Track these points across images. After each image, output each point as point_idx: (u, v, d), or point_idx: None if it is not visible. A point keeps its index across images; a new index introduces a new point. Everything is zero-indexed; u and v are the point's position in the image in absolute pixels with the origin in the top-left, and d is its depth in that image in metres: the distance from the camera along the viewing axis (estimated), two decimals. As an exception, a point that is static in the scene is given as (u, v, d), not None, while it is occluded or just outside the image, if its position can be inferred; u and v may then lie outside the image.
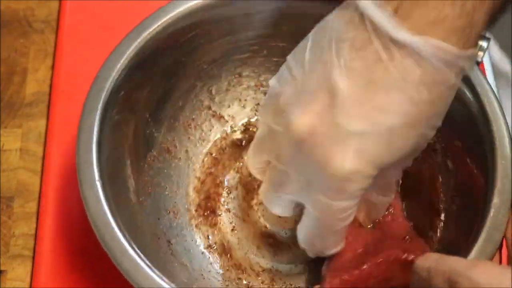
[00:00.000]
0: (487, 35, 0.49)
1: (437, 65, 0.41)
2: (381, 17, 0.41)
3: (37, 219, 0.59)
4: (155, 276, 0.46)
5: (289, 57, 0.46)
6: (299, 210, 0.49)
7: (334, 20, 0.44)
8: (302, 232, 0.50)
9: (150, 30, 0.54)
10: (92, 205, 0.48)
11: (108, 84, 0.52)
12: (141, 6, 0.66)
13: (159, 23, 0.54)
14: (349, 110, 0.42)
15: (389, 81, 0.42)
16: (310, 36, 0.46)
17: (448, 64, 0.42)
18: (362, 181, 0.44)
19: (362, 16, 0.42)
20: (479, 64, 0.64)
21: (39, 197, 0.60)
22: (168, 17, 0.55)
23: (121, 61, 0.53)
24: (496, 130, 0.51)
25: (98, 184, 0.48)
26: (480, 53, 0.62)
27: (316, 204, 0.46)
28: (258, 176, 0.51)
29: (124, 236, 0.47)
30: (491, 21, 0.43)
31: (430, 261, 0.43)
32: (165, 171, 0.58)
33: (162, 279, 0.46)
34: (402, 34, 0.41)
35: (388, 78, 0.42)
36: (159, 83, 0.57)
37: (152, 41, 0.54)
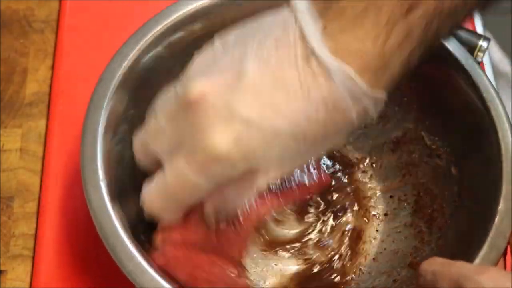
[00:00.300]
0: (487, 35, 0.49)
1: (343, 94, 0.42)
2: (311, 28, 0.42)
3: (37, 219, 0.59)
4: (159, 278, 0.46)
5: (217, 35, 0.47)
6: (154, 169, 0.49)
7: (270, 15, 0.45)
8: (148, 189, 0.48)
9: (157, 29, 0.54)
10: (97, 206, 0.48)
11: (113, 82, 0.51)
12: (141, 6, 0.66)
13: (166, 21, 0.54)
14: (246, 95, 0.43)
15: (294, 87, 0.42)
16: (244, 22, 0.46)
17: (353, 97, 0.42)
18: (226, 168, 0.44)
19: (295, 20, 0.43)
20: (479, 64, 0.64)
21: (39, 197, 0.60)
22: (175, 16, 0.54)
23: (127, 60, 0.52)
24: (502, 136, 0.51)
25: (102, 184, 0.48)
26: (480, 53, 0.62)
27: (173, 167, 0.46)
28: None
29: (128, 236, 0.47)
30: (406, 73, 0.44)
31: (436, 265, 0.43)
32: None
33: (166, 281, 0.46)
34: (323, 51, 0.42)
35: (294, 85, 0.42)
36: (165, 81, 0.56)
37: (158, 40, 0.54)
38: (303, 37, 0.42)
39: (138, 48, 0.53)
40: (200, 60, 0.46)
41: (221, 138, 0.43)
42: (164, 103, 0.47)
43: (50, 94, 0.65)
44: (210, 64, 0.45)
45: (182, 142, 0.45)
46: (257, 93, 0.43)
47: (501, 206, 0.48)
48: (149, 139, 0.48)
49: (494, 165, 0.50)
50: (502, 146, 0.50)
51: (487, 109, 0.52)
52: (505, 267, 0.48)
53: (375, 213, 0.59)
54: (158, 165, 0.48)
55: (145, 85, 0.55)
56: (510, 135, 0.50)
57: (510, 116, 0.52)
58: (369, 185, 0.60)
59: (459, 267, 0.41)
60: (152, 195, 0.48)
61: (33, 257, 0.57)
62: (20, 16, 0.69)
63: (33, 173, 0.61)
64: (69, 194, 0.59)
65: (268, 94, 0.43)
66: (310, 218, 0.59)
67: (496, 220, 0.48)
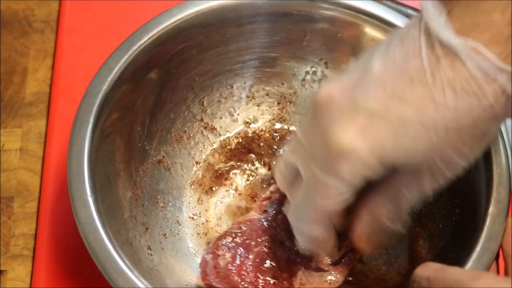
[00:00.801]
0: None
1: (472, 71, 0.40)
2: (435, 18, 0.41)
3: (37, 219, 0.59)
4: None
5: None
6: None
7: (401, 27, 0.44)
8: (291, 204, 0.48)
9: (141, 42, 0.54)
10: (84, 222, 0.47)
11: (99, 98, 0.51)
12: (141, 7, 0.66)
13: (150, 35, 0.54)
14: (371, 88, 0.42)
15: (418, 75, 0.41)
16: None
17: (485, 74, 0.40)
18: (355, 164, 0.42)
19: (421, 17, 0.42)
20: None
21: (39, 197, 0.60)
22: (158, 28, 0.54)
23: (112, 74, 0.52)
24: (492, 139, 0.49)
25: (90, 199, 0.48)
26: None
27: (306, 171, 0.45)
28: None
29: (117, 251, 0.47)
30: None
31: (430, 271, 0.42)
32: (158, 184, 0.57)
33: None
34: (446, 33, 0.40)
35: (419, 72, 0.41)
36: (150, 95, 0.56)
37: (142, 53, 0.54)
38: (427, 29, 0.41)
39: (124, 60, 0.53)
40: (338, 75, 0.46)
41: (345, 132, 0.42)
42: (303, 120, 0.47)
43: (50, 94, 0.65)
44: (343, 74, 0.44)
45: (315, 148, 0.44)
46: (381, 85, 0.41)
47: (492, 209, 0.48)
48: (289, 152, 0.47)
49: (485, 168, 0.50)
50: (492, 148, 0.50)
51: None
52: (498, 270, 0.48)
53: None
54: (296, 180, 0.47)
55: (132, 98, 0.55)
56: (499, 138, 0.50)
57: (510, 119, 0.52)
58: None
59: (453, 273, 0.41)
60: (292, 208, 0.48)
61: (33, 257, 0.57)
62: (20, 16, 0.69)
63: (33, 173, 0.61)
64: (69, 194, 0.59)
65: (393, 84, 0.41)
66: None
67: (488, 222, 0.47)
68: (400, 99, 0.41)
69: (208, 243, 0.56)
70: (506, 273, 0.45)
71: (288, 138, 0.56)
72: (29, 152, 0.62)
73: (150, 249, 0.53)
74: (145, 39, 0.54)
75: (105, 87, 0.52)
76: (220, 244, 0.53)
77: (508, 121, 0.51)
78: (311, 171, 0.44)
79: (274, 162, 0.59)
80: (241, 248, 0.53)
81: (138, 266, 0.49)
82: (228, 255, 0.52)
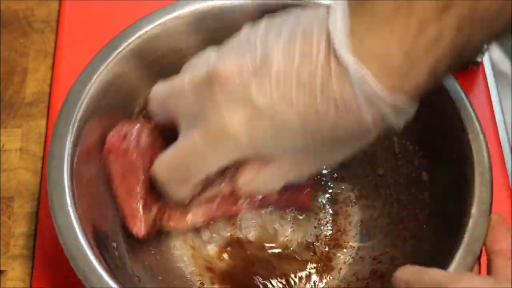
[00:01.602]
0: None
1: (356, 95, 0.41)
2: (339, 26, 0.42)
3: (37, 219, 0.59)
4: None
5: (247, 25, 0.47)
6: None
7: (309, 10, 0.45)
8: (161, 156, 0.50)
9: (119, 49, 0.53)
10: (65, 233, 0.47)
11: (77, 108, 0.50)
12: (141, 6, 0.66)
13: (128, 41, 0.53)
14: (265, 83, 0.44)
15: (309, 83, 0.42)
16: (277, 15, 0.47)
17: (368, 101, 0.41)
18: (234, 148, 0.46)
19: (327, 18, 0.43)
20: (479, 64, 0.64)
21: (39, 197, 0.60)
22: (141, 32, 0.54)
23: (88, 86, 0.51)
24: (472, 139, 0.50)
25: (70, 210, 0.47)
26: (480, 53, 0.62)
27: (188, 136, 0.47)
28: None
29: (97, 260, 0.46)
30: (437, 81, 0.43)
31: (409, 274, 0.42)
32: None
33: None
34: (344, 50, 0.41)
35: (310, 81, 0.42)
36: (132, 101, 0.55)
37: (121, 61, 0.53)
38: (329, 35, 0.42)
39: (101, 69, 0.52)
40: (236, 41, 0.47)
41: (233, 118, 0.45)
42: (195, 68, 0.48)
43: (50, 94, 0.65)
44: (243, 46, 0.46)
45: (200, 113, 0.46)
46: (276, 84, 0.43)
47: (474, 210, 0.47)
48: (172, 97, 0.49)
49: (466, 168, 0.49)
50: (474, 148, 0.49)
51: (457, 113, 0.51)
52: (479, 271, 0.47)
53: (350, 221, 0.58)
54: (168, 122, 0.50)
55: (112, 109, 0.54)
56: (482, 138, 0.50)
57: (509, 114, 0.51)
58: (343, 192, 0.59)
59: (432, 275, 0.41)
60: (163, 161, 0.50)
61: (33, 257, 0.57)
62: (20, 16, 0.69)
63: (33, 173, 0.61)
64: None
65: (285, 86, 0.43)
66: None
67: (470, 224, 0.47)
68: (288, 103, 0.43)
69: None
70: (488, 271, 0.44)
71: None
72: (29, 152, 0.62)
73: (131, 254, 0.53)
74: (123, 46, 0.53)
75: (83, 95, 0.51)
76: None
77: (508, 120, 0.51)
78: (192, 137, 0.47)
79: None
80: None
81: (118, 272, 0.48)
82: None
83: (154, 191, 0.52)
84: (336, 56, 0.41)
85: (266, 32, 0.45)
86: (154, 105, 0.51)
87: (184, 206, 0.53)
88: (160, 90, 0.51)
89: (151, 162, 0.51)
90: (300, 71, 0.43)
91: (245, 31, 0.47)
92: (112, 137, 0.52)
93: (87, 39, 0.66)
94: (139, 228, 0.52)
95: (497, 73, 0.71)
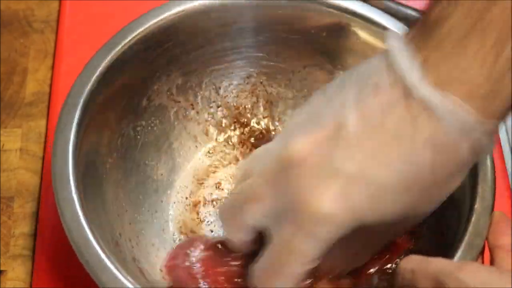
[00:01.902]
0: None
1: (449, 129, 0.39)
2: (408, 66, 0.39)
3: (37, 219, 0.59)
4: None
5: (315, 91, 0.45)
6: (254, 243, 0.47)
7: (363, 65, 0.42)
8: (257, 268, 0.45)
9: (125, 41, 0.53)
10: (69, 220, 0.47)
11: (82, 100, 0.50)
12: (141, 6, 0.66)
13: (133, 35, 0.53)
14: (347, 148, 0.40)
15: (394, 134, 0.39)
16: (338, 77, 0.44)
17: (462, 130, 0.39)
18: (334, 227, 0.41)
19: (390, 64, 0.40)
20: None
21: (39, 197, 0.60)
22: (141, 29, 0.54)
23: (94, 76, 0.51)
24: None
25: (75, 197, 0.47)
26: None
27: (281, 237, 0.43)
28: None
29: (102, 249, 0.46)
30: None
31: (414, 263, 0.42)
32: (144, 188, 0.57)
33: None
34: (423, 86, 0.38)
35: (395, 131, 0.39)
36: (135, 96, 0.56)
37: (125, 54, 0.53)
38: (401, 78, 0.39)
39: (105, 62, 0.52)
40: (300, 113, 0.44)
41: (323, 196, 0.40)
42: (261, 164, 0.44)
43: (50, 94, 0.65)
44: (311, 117, 0.43)
45: (286, 208, 0.42)
46: (358, 145, 0.40)
47: (477, 205, 0.47)
48: (246, 207, 0.44)
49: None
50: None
51: None
52: (482, 263, 0.48)
53: None
54: (255, 235, 0.45)
55: (116, 101, 0.54)
56: None
57: (510, 119, 0.51)
58: None
59: (437, 264, 0.41)
60: (262, 277, 0.45)
61: (33, 257, 0.57)
62: (20, 16, 0.69)
63: (33, 173, 0.61)
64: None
65: (369, 144, 0.40)
66: None
67: (473, 219, 0.47)
68: (378, 161, 0.40)
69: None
70: (491, 264, 0.45)
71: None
72: (29, 152, 0.62)
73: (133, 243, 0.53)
74: (128, 39, 0.53)
75: (87, 89, 0.51)
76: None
77: (508, 121, 0.51)
78: (286, 238, 0.42)
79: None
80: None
81: (124, 264, 0.48)
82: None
83: None
84: (416, 95, 0.39)
85: (329, 96, 0.42)
86: (232, 227, 0.47)
87: None
88: (228, 207, 0.47)
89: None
90: (381, 122, 0.40)
91: (308, 101, 0.44)
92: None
93: (87, 39, 0.66)
94: None
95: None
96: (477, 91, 0.38)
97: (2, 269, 0.57)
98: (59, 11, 0.69)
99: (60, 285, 0.56)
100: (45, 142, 0.62)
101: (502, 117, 0.40)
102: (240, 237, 0.47)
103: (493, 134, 0.40)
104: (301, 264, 0.43)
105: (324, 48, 0.58)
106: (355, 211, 0.40)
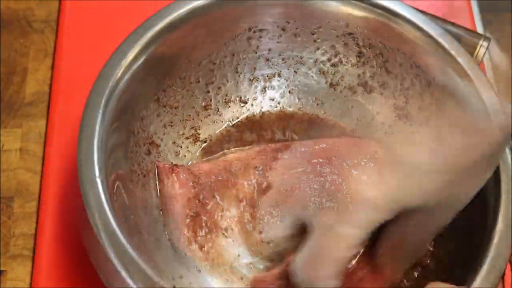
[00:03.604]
0: (487, 35, 0.48)
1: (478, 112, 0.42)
2: None
3: (37, 219, 0.59)
4: (153, 275, 0.45)
5: None
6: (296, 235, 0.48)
7: None
8: (301, 259, 0.47)
9: (156, 27, 0.54)
10: (92, 202, 0.47)
11: (111, 81, 0.51)
12: (141, 6, 0.66)
13: (164, 21, 0.54)
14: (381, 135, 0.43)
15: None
16: None
17: (493, 113, 0.42)
18: (373, 212, 0.43)
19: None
20: (479, 64, 0.64)
21: (39, 197, 0.60)
22: (173, 15, 0.54)
23: (125, 58, 0.52)
24: (501, 164, 0.49)
25: (98, 180, 0.48)
26: (480, 53, 0.62)
27: (322, 224, 0.45)
28: None
29: (123, 234, 0.47)
30: None
31: None
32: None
33: (160, 279, 0.46)
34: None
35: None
36: (162, 80, 0.57)
37: (156, 39, 0.54)
38: None
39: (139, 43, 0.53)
40: None
41: (364, 183, 0.44)
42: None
43: (50, 94, 0.65)
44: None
45: (324, 199, 0.45)
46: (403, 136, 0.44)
47: (500, 225, 0.47)
48: (288, 198, 0.48)
49: (493, 182, 0.49)
50: (501, 163, 0.49)
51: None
52: (503, 286, 0.47)
53: None
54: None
55: (139, 93, 0.55)
56: (509, 155, 0.49)
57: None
58: None
59: None
60: (306, 265, 0.46)
61: (33, 257, 0.57)
62: (20, 16, 0.69)
63: (33, 173, 0.61)
64: (69, 194, 0.59)
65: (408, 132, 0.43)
66: None
67: (496, 240, 0.47)
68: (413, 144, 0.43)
69: None
70: None
71: None
72: (29, 152, 0.62)
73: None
74: (159, 25, 0.54)
75: (118, 70, 0.52)
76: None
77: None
78: (327, 223, 0.45)
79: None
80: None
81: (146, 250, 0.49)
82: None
83: None
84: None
85: None
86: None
87: None
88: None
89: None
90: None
91: None
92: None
93: (87, 39, 0.66)
94: None
95: (497, 73, 0.71)
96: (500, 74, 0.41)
97: (2, 269, 0.57)
98: (59, 11, 0.69)
99: (60, 285, 0.56)
100: (45, 142, 0.62)
101: None
102: (283, 232, 0.49)
103: None
104: (347, 248, 0.45)
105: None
106: (393, 194, 0.43)
